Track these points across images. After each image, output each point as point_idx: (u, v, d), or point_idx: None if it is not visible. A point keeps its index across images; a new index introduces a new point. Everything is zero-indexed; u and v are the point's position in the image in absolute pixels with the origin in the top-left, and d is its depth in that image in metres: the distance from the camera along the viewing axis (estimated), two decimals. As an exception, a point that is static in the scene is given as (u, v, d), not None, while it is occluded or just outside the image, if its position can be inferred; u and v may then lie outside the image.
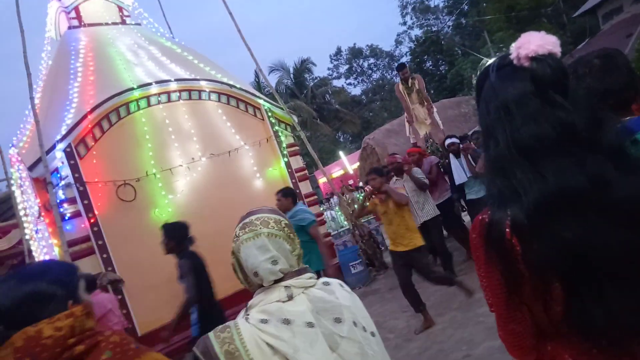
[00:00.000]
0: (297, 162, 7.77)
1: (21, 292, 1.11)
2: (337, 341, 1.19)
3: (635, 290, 0.82)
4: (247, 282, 1.30)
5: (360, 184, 17.92)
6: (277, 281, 1.24)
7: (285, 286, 1.23)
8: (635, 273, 0.82)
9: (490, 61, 1.10)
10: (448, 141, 6.66)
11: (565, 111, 0.91)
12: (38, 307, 1.10)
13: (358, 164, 21.11)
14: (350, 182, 18.25)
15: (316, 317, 1.20)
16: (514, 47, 1.01)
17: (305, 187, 7.67)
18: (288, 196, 4.91)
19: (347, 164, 21.74)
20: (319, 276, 1.39)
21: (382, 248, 8.39)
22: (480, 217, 1.01)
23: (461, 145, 6.17)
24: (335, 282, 1.33)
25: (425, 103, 8.30)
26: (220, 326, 1.19)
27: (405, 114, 8.65)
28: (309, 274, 1.29)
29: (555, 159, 0.88)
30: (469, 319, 4.47)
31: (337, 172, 21.88)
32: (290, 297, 1.22)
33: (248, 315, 1.22)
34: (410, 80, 8.18)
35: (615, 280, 0.83)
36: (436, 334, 4.38)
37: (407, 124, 8.82)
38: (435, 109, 8.50)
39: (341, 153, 23.29)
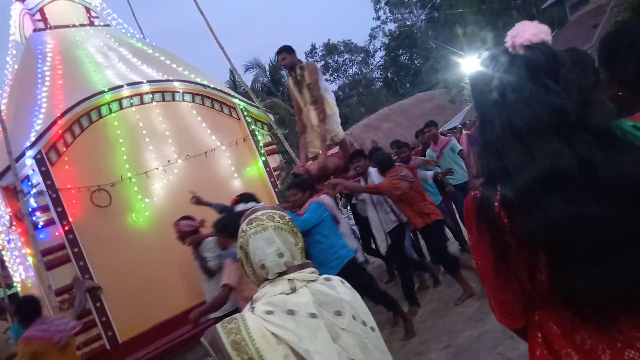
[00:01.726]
0: (275, 160, 7.74)
1: None
2: (338, 333, 1.24)
3: (615, 261, 0.87)
4: (254, 275, 1.35)
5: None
6: (281, 274, 1.30)
7: (289, 279, 1.29)
8: (616, 245, 0.87)
9: (485, 53, 1.14)
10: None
11: (557, 96, 0.96)
12: None
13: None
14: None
15: (318, 309, 1.25)
16: (509, 35, 1.05)
17: (284, 186, 7.66)
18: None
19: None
20: None
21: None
22: (473, 193, 1.07)
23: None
24: (336, 279, 1.39)
25: (316, 105, 5.11)
26: (228, 318, 1.25)
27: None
28: (311, 269, 1.34)
29: (546, 142, 0.93)
30: (449, 309, 4.55)
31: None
32: (293, 290, 1.27)
33: (254, 307, 1.27)
34: (298, 71, 5.29)
35: (596, 253, 0.88)
36: (417, 326, 4.44)
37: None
38: (333, 112, 5.22)
39: (320, 149, 23.28)
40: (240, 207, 4.52)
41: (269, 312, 1.23)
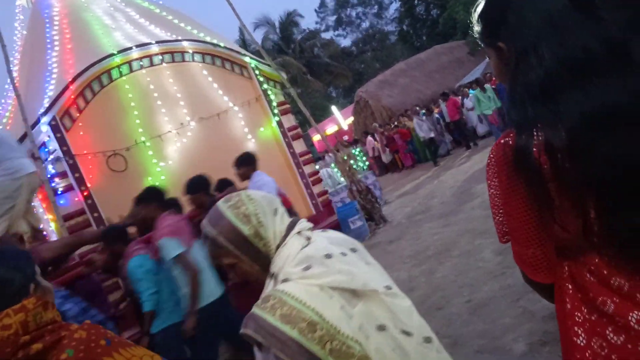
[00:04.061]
0: (289, 120, 7.62)
1: None
2: (364, 263, 1.21)
3: None
4: (268, 247, 1.21)
5: (355, 138, 17.81)
6: (287, 233, 1.21)
7: (297, 233, 1.21)
8: None
9: None
10: None
11: (607, 26, 0.89)
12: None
13: (352, 118, 20.91)
14: (345, 137, 18.07)
15: (340, 248, 1.18)
16: None
17: (299, 146, 7.57)
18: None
19: (340, 119, 21.49)
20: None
21: (381, 202, 8.41)
22: (501, 141, 0.98)
23: None
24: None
25: None
26: (258, 301, 1.10)
27: None
28: (304, 219, 1.29)
29: (599, 76, 0.86)
30: (469, 265, 4.52)
31: (331, 129, 21.68)
32: (309, 240, 1.19)
33: (284, 279, 1.13)
34: None
35: None
36: (438, 282, 4.44)
37: None
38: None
39: (334, 108, 22.96)
40: None
41: (307, 268, 1.11)
